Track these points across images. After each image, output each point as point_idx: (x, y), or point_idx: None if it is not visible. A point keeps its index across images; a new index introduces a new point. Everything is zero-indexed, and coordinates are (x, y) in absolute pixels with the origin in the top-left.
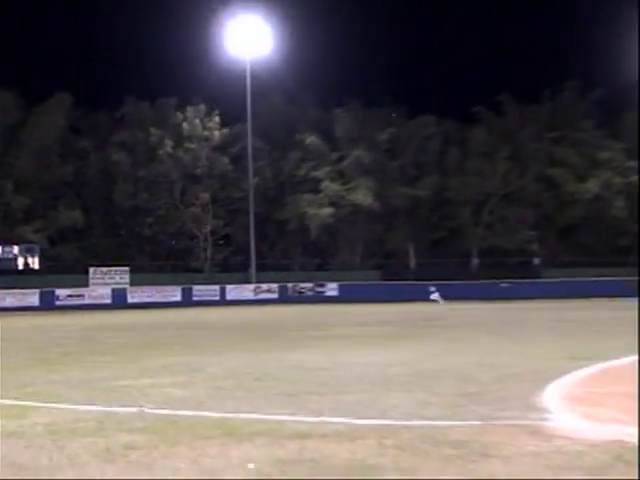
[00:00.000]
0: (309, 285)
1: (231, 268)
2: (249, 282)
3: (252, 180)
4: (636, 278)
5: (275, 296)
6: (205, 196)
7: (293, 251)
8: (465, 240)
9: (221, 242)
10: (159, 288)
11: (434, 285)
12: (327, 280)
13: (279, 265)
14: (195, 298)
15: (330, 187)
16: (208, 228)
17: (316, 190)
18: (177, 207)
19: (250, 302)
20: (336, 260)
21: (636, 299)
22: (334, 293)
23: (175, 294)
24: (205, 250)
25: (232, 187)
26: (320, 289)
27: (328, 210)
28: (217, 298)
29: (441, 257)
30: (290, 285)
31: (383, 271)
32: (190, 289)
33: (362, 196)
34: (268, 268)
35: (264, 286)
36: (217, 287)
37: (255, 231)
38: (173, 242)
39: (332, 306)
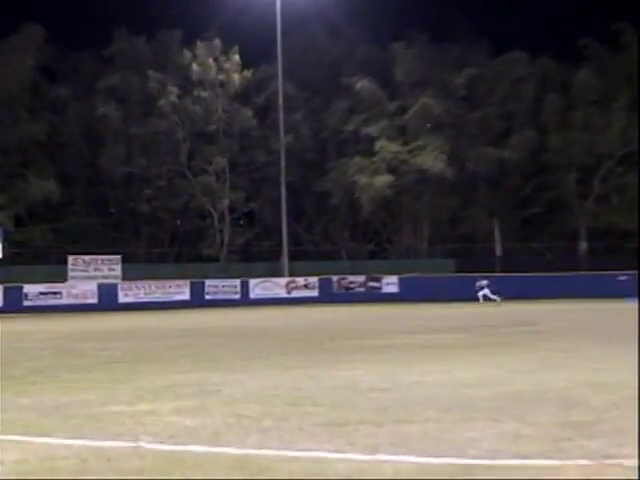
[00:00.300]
0: (360, 279)
1: (256, 256)
2: (280, 275)
3: (283, 139)
4: None
5: (314, 294)
6: (221, 161)
7: (338, 234)
8: (569, 218)
9: (242, 222)
10: (160, 283)
11: (485, 278)
12: (384, 272)
13: (320, 253)
14: (208, 297)
15: (388, 147)
16: (225, 203)
17: (369, 152)
18: (184, 175)
19: (281, 302)
20: (396, 246)
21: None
22: (393, 289)
23: (182, 291)
24: (221, 232)
25: (257, 148)
26: (374, 284)
27: (385, 178)
28: (237, 297)
29: (536, 241)
30: (335, 279)
31: (458, 260)
32: (201, 285)
33: (431, 159)
34: (305, 256)
35: (300, 280)
36: (237, 282)
37: (288, 207)
38: (178, 222)
39: (390, 307)
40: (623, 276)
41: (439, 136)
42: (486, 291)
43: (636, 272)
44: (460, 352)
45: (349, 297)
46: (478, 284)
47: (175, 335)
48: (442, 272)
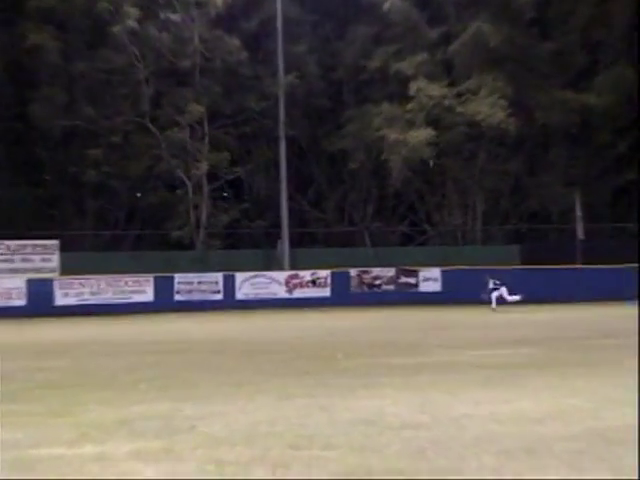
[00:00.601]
0: (388, 273)
1: (245, 242)
2: (278, 267)
3: (283, 79)
4: None
5: (325, 293)
6: (197, 109)
7: (358, 210)
8: None
9: (226, 194)
10: (113, 279)
11: (490, 272)
12: (421, 264)
13: (333, 236)
14: (178, 297)
15: (427, 90)
16: (203, 168)
17: (401, 96)
18: (146, 129)
19: (280, 304)
20: (438, 227)
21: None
22: (434, 287)
23: (142, 290)
24: (197, 208)
25: (246, 92)
26: (408, 280)
27: (424, 133)
28: (219, 297)
29: (632, 219)
30: (353, 273)
31: (524, 246)
32: (170, 281)
33: (486, 107)
34: (313, 242)
35: (305, 275)
36: (219, 277)
37: (289, 173)
38: (138, 194)
39: (430, 311)
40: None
41: (498, 75)
42: (502, 291)
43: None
44: (526, 374)
45: (373, 298)
46: (494, 284)
47: (134, 350)
48: (502, 263)
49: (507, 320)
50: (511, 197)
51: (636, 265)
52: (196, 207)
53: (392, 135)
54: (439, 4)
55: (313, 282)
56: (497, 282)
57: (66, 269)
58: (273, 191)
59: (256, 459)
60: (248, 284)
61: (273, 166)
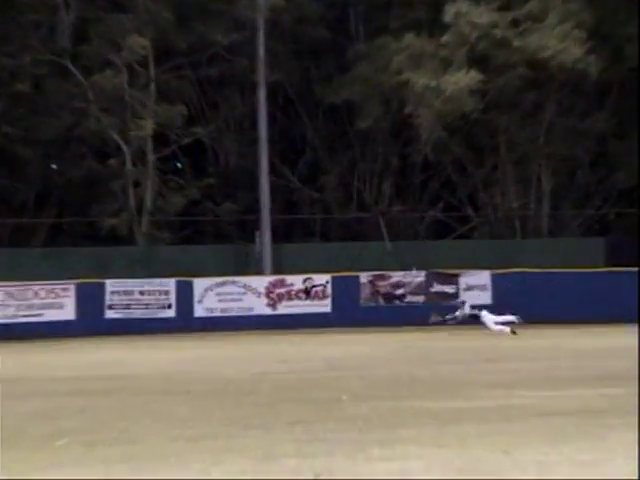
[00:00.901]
0: (414, 279)
1: (208, 233)
2: (255, 271)
3: (263, 0)
4: None
5: (324, 308)
6: (140, 44)
7: (371, 188)
8: None
9: (180, 165)
10: (17, 288)
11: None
12: (462, 265)
13: (335, 226)
14: (111, 314)
15: (470, 16)
16: (147, 128)
17: (433, 24)
18: (66, 73)
19: (259, 323)
20: (486, 211)
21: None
22: (481, 298)
23: (61, 303)
24: (138, 186)
25: (210, 20)
26: (444, 288)
27: (465, 78)
28: (170, 313)
29: None
30: (364, 279)
31: (610, 239)
32: (99, 290)
33: (557, 40)
34: (306, 234)
35: (295, 282)
36: (170, 284)
37: (270, 134)
38: (54, 166)
39: (475, 333)
40: None
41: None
42: (483, 316)
43: None
44: (610, 424)
45: (393, 315)
46: (471, 309)
47: (48, 391)
48: (578, 264)
49: (581, 347)
50: (592, 169)
51: None
52: (137, 184)
53: (420, 80)
54: None
55: (306, 291)
56: (476, 308)
57: None
58: (248, 161)
59: None
60: (212, 295)
61: (249, 125)
